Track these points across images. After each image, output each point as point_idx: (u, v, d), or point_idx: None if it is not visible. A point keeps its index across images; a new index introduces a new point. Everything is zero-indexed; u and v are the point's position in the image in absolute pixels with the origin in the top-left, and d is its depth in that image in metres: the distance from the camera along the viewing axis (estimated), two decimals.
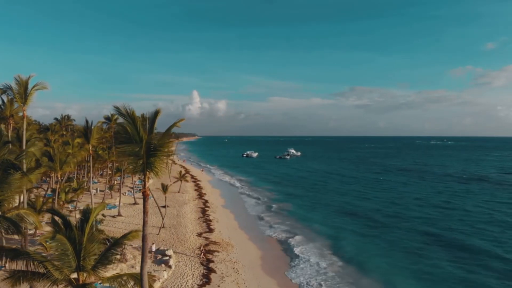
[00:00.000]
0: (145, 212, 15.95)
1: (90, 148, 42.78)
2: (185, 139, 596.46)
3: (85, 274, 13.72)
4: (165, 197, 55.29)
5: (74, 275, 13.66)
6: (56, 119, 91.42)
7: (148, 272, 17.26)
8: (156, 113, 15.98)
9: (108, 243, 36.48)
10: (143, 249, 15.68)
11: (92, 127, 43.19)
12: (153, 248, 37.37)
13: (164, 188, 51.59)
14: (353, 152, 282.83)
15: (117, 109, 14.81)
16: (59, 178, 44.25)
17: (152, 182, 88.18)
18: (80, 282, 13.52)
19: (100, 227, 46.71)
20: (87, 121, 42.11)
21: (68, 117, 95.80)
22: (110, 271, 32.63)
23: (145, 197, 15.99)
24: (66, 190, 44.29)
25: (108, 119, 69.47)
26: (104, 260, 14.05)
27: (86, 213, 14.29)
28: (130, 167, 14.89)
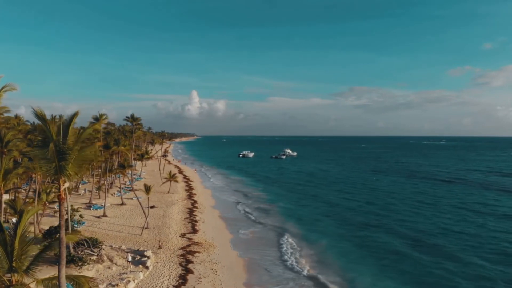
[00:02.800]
0: (61, 215, 15.69)
1: None
2: (183, 139, 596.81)
3: (17, 276, 13.69)
4: (148, 197, 55.02)
5: (9, 276, 13.60)
6: None
7: (76, 275, 17.01)
8: (72, 116, 15.53)
9: (85, 244, 36.56)
10: (60, 252, 15.39)
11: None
12: (129, 258, 37.01)
13: (147, 189, 51.35)
14: (349, 152, 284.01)
15: (33, 110, 14.61)
16: (39, 179, 44.13)
17: (137, 183, 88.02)
18: (13, 283, 13.49)
19: (82, 227, 46.59)
20: None
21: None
22: (85, 271, 32.77)
23: (60, 201, 15.78)
24: (48, 190, 44.07)
25: (96, 119, 69.20)
26: (38, 261, 13.96)
27: (20, 216, 14.20)
28: (43, 170, 14.64)
